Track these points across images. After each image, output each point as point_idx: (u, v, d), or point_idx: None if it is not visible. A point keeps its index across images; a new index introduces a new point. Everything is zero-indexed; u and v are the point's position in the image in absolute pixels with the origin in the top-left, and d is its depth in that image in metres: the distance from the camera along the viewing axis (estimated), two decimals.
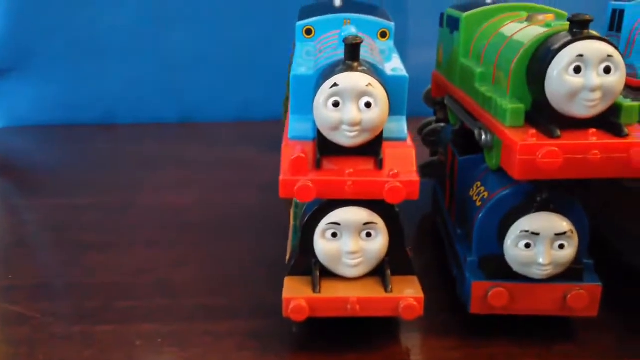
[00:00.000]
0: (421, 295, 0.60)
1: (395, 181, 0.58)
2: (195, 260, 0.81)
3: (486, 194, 0.65)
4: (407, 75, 0.63)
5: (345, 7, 0.79)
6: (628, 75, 0.78)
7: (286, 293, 0.60)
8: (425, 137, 1.01)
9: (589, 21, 0.56)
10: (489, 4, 0.77)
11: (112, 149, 1.32)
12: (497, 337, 0.64)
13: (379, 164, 0.59)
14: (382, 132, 0.59)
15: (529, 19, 0.65)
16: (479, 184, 0.68)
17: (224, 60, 1.48)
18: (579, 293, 0.60)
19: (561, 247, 0.59)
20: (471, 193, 0.68)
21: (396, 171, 0.58)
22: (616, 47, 0.55)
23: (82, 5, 1.41)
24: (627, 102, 0.59)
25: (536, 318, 0.64)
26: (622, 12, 0.79)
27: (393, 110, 0.63)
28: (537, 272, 0.59)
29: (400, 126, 0.63)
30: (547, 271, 0.59)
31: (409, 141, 0.63)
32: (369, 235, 0.61)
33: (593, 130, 0.56)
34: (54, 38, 1.42)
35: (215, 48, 1.47)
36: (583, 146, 0.55)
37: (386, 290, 0.60)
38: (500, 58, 0.64)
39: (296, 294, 0.59)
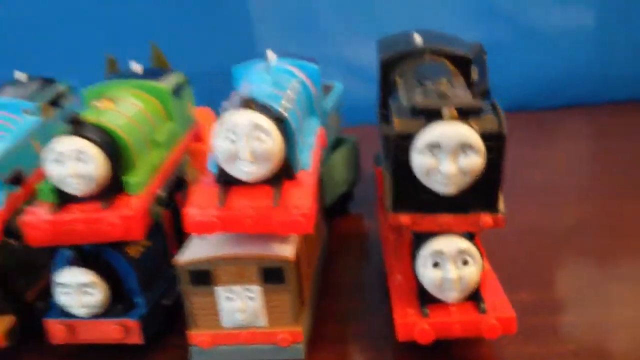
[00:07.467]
0: None
1: None
2: None
3: None
4: None
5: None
6: None
7: None
8: None
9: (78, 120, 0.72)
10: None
11: None
12: None
13: None
14: None
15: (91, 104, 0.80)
16: None
17: None
18: (117, 328, 0.77)
19: (86, 293, 0.75)
20: None
21: None
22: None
23: None
24: (130, 179, 0.74)
25: None
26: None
27: None
28: (80, 314, 0.76)
29: None
30: (86, 312, 0.76)
31: None
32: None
33: (93, 204, 0.73)
34: None
35: None
36: (71, 220, 0.72)
37: None
38: None
39: None
